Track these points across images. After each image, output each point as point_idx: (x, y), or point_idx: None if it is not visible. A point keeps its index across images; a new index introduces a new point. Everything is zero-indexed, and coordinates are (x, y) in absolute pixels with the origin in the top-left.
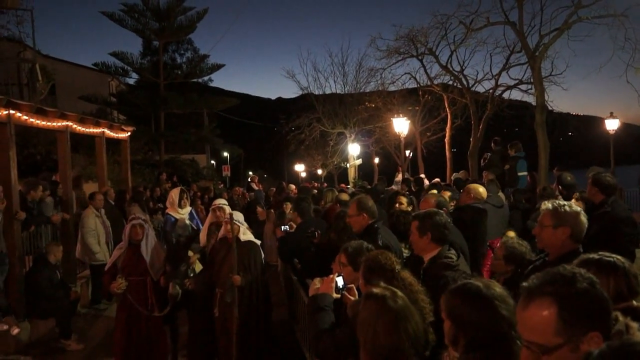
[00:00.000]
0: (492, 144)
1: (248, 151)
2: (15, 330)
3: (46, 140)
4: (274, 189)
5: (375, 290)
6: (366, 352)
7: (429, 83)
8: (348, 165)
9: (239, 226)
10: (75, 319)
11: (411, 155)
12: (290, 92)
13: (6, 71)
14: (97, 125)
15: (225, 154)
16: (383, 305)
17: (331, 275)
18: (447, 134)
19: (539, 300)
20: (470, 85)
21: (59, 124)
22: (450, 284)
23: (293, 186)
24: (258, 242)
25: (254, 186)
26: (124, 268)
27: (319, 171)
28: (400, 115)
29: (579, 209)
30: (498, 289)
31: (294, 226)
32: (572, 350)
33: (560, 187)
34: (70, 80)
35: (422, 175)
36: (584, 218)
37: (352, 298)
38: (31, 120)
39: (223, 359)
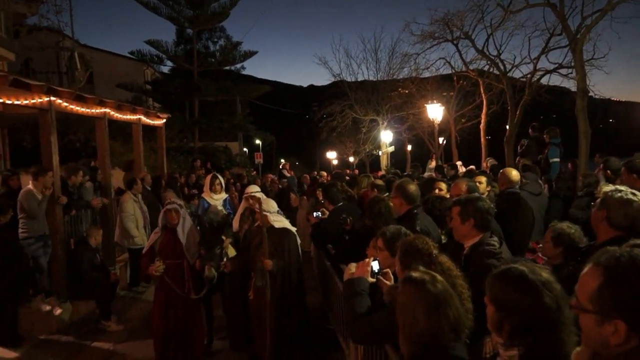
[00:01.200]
0: (530, 130)
1: (280, 139)
2: (58, 311)
3: (85, 128)
4: (307, 176)
5: (414, 274)
6: (405, 337)
7: (464, 68)
8: (380, 152)
9: (266, 215)
10: (115, 301)
11: (445, 142)
12: (322, 79)
13: (46, 60)
14: (134, 112)
15: (258, 141)
16: (422, 289)
17: (367, 260)
18: (482, 120)
19: (595, 267)
20: (507, 70)
21: (98, 110)
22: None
23: (324, 173)
24: (294, 229)
25: (286, 173)
26: (161, 251)
27: (351, 158)
28: (434, 101)
29: None
30: (545, 273)
31: (327, 212)
32: (597, 324)
33: (608, 171)
34: (107, 69)
35: (459, 163)
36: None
37: (388, 283)
38: (71, 107)
39: (257, 342)
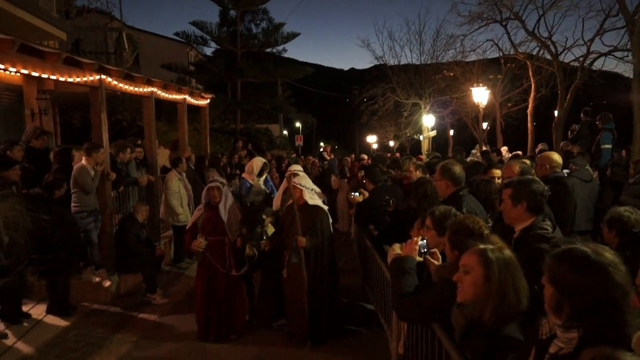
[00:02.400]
0: (582, 115)
1: (320, 122)
2: (107, 283)
3: (131, 108)
4: (348, 159)
5: (482, 246)
6: (494, 309)
7: (512, 51)
8: (422, 137)
9: (301, 189)
10: (159, 276)
11: (489, 127)
12: (363, 62)
13: (95, 41)
14: (179, 91)
15: (298, 124)
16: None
17: (415, 238)
18: (530, 105)
19: None
20: (558, 53)
21: (145, 89)
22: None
23: (365, 156)
24: (326, 207)
25: (326, 156)
26: (203, 228)
27: (391, 143)
28: (480, 84)
29: None
30: (609, 254)
31: (365, 193)
32: None
33: None
34: (152, 51)
35: (504, 148)
36: None
37: (436, 262)
38: (120, 85)
39: (292, 319)
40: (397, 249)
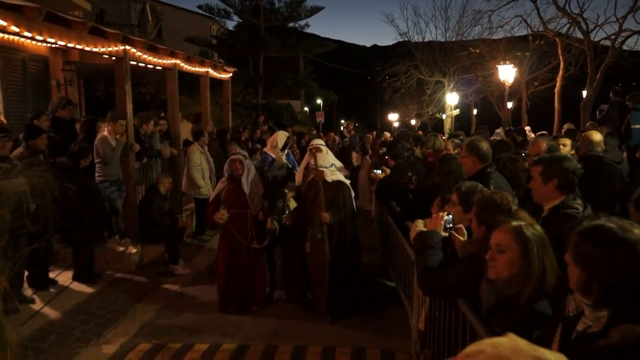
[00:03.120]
0: (612, 95)
1: (341, 99)
2: (133, 250)
3: (154, 81)
4: (370, 136)
5: (515, 223)
6: (534, 287)
7: (541, 28)
8: (444, 115)
9: (322, 171)
10: (181, 248)
11: (514, 107)
12: (387, 39)
13: (119, 13)
14: (202, 64)
15: (319, 101)
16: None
17: (440, 213)
18: (558, 84)
19: None
20: (589, 30)
21: (168, 61)
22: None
23: (387, 133)
24: (347, 181)
25: (346, 133)
26: (226, 200)
27: (413, 121)
28: (507, 62)
29: None
30: (637, 230)
31: (387, 169)
32: None
33: None
34: (174, 24)
35: (527, 128)
36: None
37: (461, 238)
38: (144, 56)
39: (316, 293)
40: (420, 225)
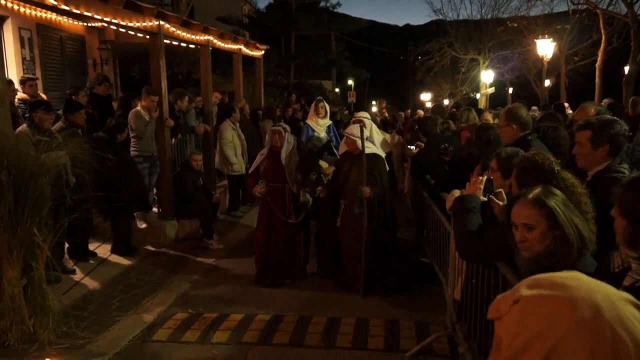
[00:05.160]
0: None
1: (372, 79)
2: (142, 225)
3: (187, 61)
4: (402, 114)
5: (532, 195)
6: (577, 250)
7: (582, 0)
8: (479, 95)
9: (353, 140)
10: (215, 224)
11: (552, 84)
12: (419, 18)
13: None
14: (235, 41)
15: (350, 82)
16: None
17: (479, 177)
18: (599, 58)
19: None
20: (633, 1)
21: (202, 37)
22: None
23: (421, 112)
24: (383, 154)
25: (378, 113)
26: (265, 174)
27: (446, 101)
28: (546, 36)
29: None
30: None
31: (421, 144)
32: None
33: None
34: (206, 3)
35: (566, 104)
36: None
37: (500, 203)
38: (178, 32)
39: (348, 272)
40: (456, 194)
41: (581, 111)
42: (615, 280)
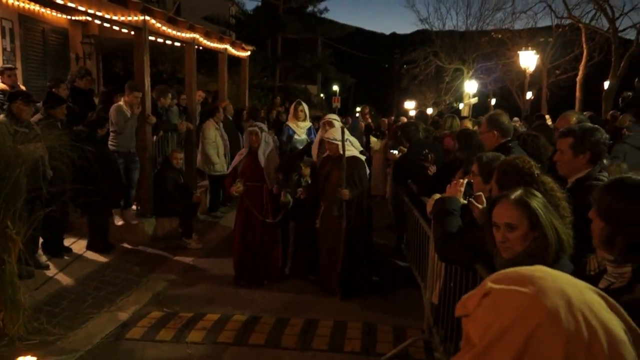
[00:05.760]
0: (636, 81)
1: (357, 86)
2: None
3: (172, 59)
4: (385, 120)
5: (514, 196)
6: (554, 252)
7: (565, 14)
8: (462, 104)
9: (336, 145)
10: (194, 223)
11: (533, 97)
12: (405, 27)
13: None
14: (221, 40)
15: (335, 88)
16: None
17: (460, 180)
18: (580, 72)
19: None
20: (615, 17)
21: (188, 35)
22: None
23: (404, 118)
24: (363, 157)
25: (361, 118)
26: (243, 173)
27: (429, 110)
28: (529, 48)
29: None
30: None
31: (404, 149)
32: None
33: None
34: (193, 3)
35: (547, 116)
36: None
37: (479, 206)
38: (163, 28)
39: (324, 270)
40: (437, 197)
41: (563, 119)
42: (591, 282)
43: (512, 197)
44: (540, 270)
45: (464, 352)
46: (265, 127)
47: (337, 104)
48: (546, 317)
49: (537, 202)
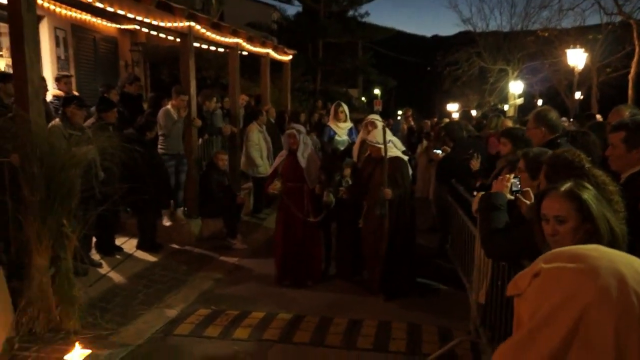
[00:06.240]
0: None
1: (399, 89)
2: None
3: (216, 66)
4: (428, 122)
5: (564, 188)
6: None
7: (615, 10)
8: (506, 106)
9: (378, 148)
10: (239, 224)
11: (582, 96)
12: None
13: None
14: (264, 45)
15: (376, 91)
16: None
17: (507, 175)
18: (633, 70)
19: None
20: None
21: (231, 40)
22: None
23: (447, 120)
24: (405, 157)
25: (404, 121)
26: (283, 174)
27: (473, 112)
28: (577, 46)
29: None
30: None
31: (447, 149)
32: None
33: None
34: (236, 11)
35: (598, 116)
36: None
37: (527, 202)
38: (208, 34)
39: (370, 270)
40: (483, 194)
41: (615, 114)
42: None
43: (562, 189)
44: (596, 250)
45: (516, 335)
46: (303, 128)
47: (378, 107)
48: (597, 296)
49: (588, 193)
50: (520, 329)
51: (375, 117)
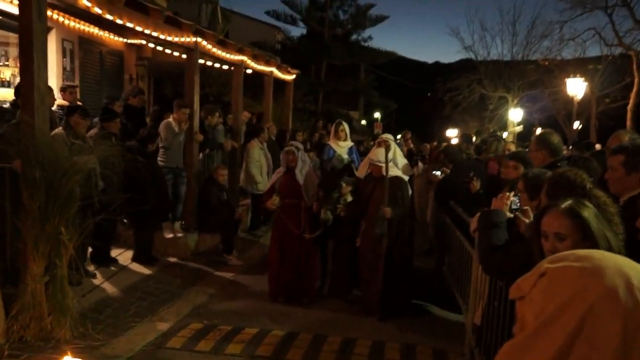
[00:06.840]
0: None
1: (399, 114)
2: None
3: (219, 83)
4: (427, 145)
5: (565, 205)
6: None
7: (615, 41)
8: (505, 133)
9: (380, 167)
10: (235, 240)
11: (581, 126)
12: (449, 55)
13: (190, 15)
14: (268, 63)
15: (377, 115)
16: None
17: (506, 193)
18: (631, 101)
19: None
20: None
21: (236, 57)
22: None
23: (446, 143)
24: (406, 177)
25: (403, 144)
26: (280, 190)
27: (472, 139)
28: (577, 75)
29: None
30: None
31: (447, 170)
32: None
33: None
34: (241, 31)
35: (597, 145)
36: None
37: (526, 220)
38: (213, 50)
39: (366, 289)
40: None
41: (615, 138)
42: None
43: (563, 206)
44: (598, 252)
45: (518, 337)
46: (301, 146)
47: (379, 129)
48: (604, 295)
49: (588, 212)
50: (525, 329)
51: (389, 137)
